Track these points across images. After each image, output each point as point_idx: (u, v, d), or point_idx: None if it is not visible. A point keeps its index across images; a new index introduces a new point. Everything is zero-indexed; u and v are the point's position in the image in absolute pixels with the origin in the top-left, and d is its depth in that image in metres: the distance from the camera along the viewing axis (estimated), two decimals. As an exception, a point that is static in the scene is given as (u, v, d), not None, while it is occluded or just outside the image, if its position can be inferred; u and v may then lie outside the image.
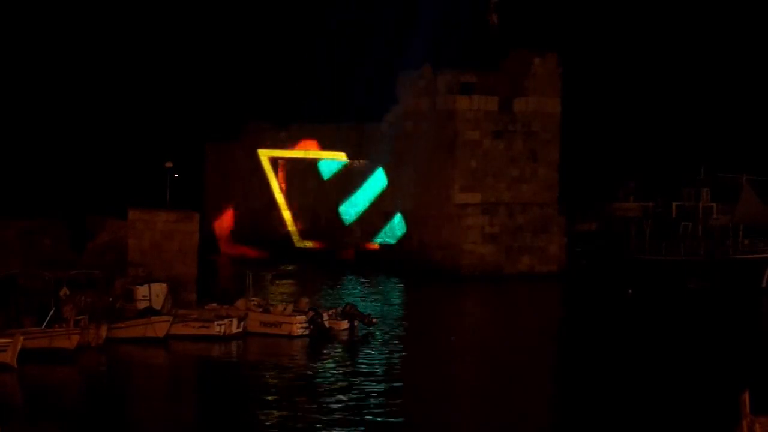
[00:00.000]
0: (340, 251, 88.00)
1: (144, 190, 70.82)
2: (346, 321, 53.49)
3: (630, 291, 71.68)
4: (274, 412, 36.69)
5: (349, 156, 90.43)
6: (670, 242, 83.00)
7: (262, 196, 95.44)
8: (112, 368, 45.49)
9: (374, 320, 54.52)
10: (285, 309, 52.93)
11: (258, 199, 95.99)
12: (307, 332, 51.78)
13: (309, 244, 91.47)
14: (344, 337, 52.12)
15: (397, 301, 68.17)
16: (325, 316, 52.69)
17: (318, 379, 42.48)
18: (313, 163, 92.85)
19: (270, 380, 42.67)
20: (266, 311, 53.13)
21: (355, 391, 39.71)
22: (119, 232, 58.23)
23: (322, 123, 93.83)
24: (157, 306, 51.57)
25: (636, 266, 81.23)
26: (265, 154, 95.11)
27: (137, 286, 52.46)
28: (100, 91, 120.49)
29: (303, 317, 52.14)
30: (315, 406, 37.33)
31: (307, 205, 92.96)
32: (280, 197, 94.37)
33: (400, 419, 35.58)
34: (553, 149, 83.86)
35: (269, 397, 39.14)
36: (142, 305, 51.51)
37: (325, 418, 35.49)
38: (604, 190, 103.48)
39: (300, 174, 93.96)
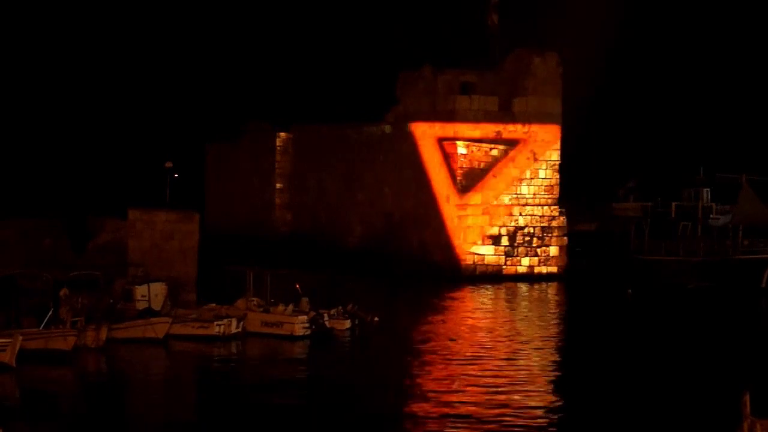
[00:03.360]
0: None
1: (144, 190, 70.83)
2: (348, 320, 53.40)
3: (630, 291, 71.67)
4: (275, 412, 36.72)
5: None
6: (670, 242, 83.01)
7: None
8: (111, 369, 45.43)
9: (376, 319, 54.45)
10: (286, 309, 52.87)
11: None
12: (309, 332, 51.69)
13: None
14: (346, 337, 52.01)
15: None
16: (326, 316, 52.61)
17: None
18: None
19: (270, 381, 42.66)
20: (266, 311, 53.07)
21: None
22: (119, 232, 58.23)
23: (322, 123, 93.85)
24: (157, 306, 51.54)
25: (636, 266, 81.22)
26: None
27: (136, 286, 52.47)
28: (100, 91, 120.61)
29: (305, 317, 52.02)
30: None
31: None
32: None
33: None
34: (553, 149, 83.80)
35: (270, 397, 39.15)
36: (141, 305, 51.48)
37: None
38: (604, 190, 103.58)
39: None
